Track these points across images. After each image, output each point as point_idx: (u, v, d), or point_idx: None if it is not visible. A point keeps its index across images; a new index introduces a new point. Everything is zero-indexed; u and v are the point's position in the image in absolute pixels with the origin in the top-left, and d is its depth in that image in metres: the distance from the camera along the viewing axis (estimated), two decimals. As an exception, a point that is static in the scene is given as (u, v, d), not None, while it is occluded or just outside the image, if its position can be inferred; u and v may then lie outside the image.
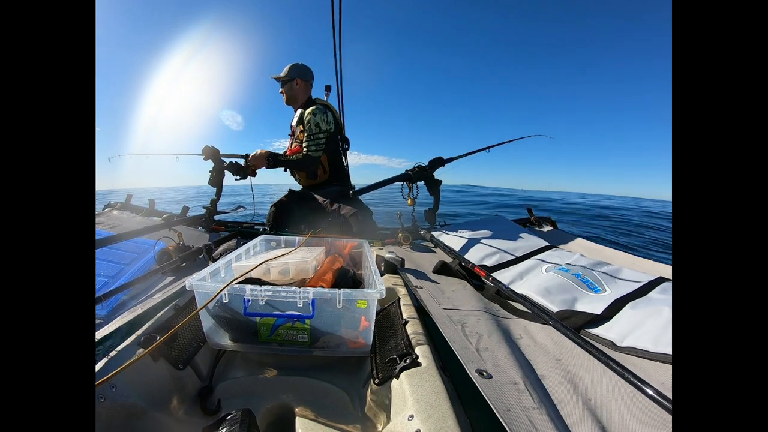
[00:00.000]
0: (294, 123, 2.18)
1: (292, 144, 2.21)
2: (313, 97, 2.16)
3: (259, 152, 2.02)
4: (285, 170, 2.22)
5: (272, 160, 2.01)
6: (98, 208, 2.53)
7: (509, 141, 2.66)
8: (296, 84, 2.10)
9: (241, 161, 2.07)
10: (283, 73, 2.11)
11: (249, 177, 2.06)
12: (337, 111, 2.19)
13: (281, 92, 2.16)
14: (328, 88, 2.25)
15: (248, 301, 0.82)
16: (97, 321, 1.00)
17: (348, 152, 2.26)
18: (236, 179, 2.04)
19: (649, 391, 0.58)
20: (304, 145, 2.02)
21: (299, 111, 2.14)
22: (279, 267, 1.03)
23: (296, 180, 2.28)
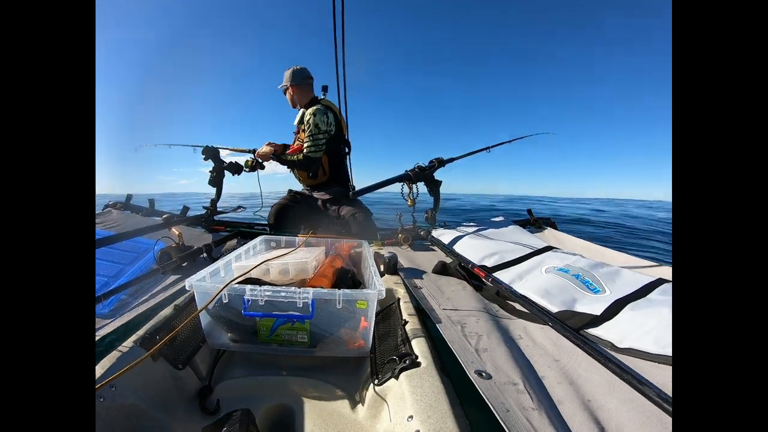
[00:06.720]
0: (296, 122, 2.21)
1: (294, 143, 2.23)
2: (320, 97, 2.19)
3: (265, 149, 2.10)
4: (288, 168, 2.25)
5: (275, 159, 2.10)
6: (98, 208, 2.53)
7: (511, 140, 2.66)
8: (290, 91, 2.17)
9: (249, 156, 2.18)
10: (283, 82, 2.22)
11: (257, 171, 2.18)
12: (341, 112, 2.20)
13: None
14: (325, 88, 2.25)
15: (248, 301, 0.82)
16: (98, 320, 1.00)
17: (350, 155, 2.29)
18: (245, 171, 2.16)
19: (649, 392, 0.58)
20: (304, 145, 2.04)
21: (301, 111, 2.17)
22: (279, 267, 1.03)
23: (297, 178, 2.30)
